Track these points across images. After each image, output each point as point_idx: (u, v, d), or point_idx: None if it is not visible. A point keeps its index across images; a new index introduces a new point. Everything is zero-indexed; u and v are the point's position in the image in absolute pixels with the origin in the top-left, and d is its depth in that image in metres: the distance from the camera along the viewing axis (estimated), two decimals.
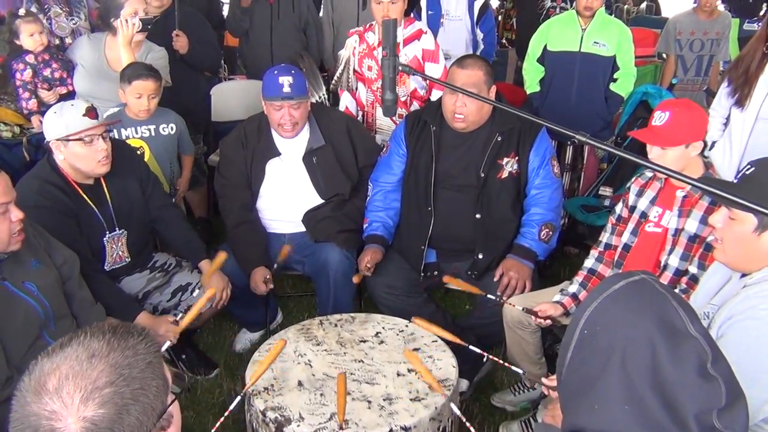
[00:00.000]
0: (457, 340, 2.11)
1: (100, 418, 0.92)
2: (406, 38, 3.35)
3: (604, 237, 2.50)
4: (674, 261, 2.21)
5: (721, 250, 1.61)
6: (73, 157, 2.38)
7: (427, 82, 3.36)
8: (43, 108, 3.28)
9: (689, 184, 1.29)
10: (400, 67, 1.52)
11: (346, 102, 3.55)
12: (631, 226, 2.37)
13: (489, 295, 2.49)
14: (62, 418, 0.91)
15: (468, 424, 1.83)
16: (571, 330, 1.02)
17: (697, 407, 0.90)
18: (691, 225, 2.17)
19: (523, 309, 2.39)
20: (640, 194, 2.36)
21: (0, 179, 1.88)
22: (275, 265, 2.78)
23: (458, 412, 1.90)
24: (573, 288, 2.44)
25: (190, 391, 2.80)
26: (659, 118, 2.17)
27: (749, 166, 1.54)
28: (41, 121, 3.20)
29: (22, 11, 3.36)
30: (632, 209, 2.38)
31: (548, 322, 2.37)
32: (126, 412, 0.94)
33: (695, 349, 0.93)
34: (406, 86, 3.39)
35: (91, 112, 2.36)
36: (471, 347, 2.10)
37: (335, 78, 3.63)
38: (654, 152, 2.18)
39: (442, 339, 2.21)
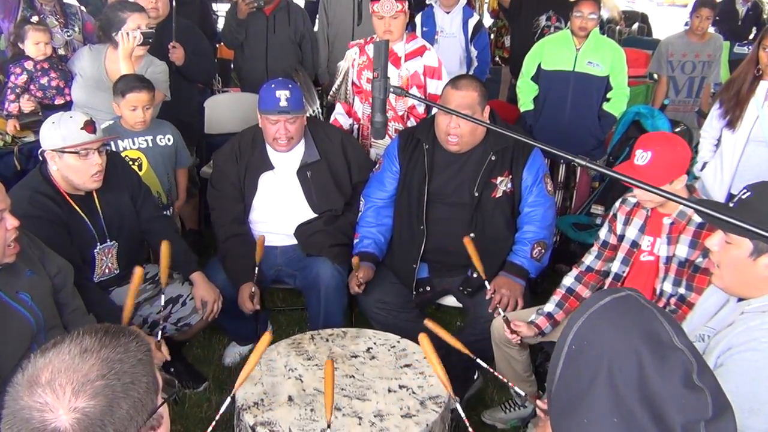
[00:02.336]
0: (465, 350, 2.04)
1: (92, 410, 0.93)
2: (408, 53, 3.32)
3: (587, 259, 2.49)
4: (668, 287, 2.21)
5: (719, 275, 1.60)
6: (67, 169, 2.38)
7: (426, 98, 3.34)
8: (23, 119, 3.30)
9: (684, 205, 1.30)
10: (391, 89, 1.52)
11: (336, 113, 3.52)
12: (621, 255, 2.35)
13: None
14: (54, 410, 0.92)
15: None
16: (560, 346, 1.03)
17: (684, 418, 0.91)
18: (681, 251, 2.16)
19: (503, 317, 2.39)
20: (627, 222, 2.35)
21: None
22: (256, 268, 2.72)
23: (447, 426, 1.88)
24: (548, 307, 2.44)
25: (178, 403, 2.78)
26: (641, 157, 2.10)
27: (746, 191, 1.53)
28: (15, 126, 3.25)
29: (35, 18, 3.38)
30: (621, 238, 2.37)
31: (517, 338, 2.35)
32: (117, 405, 0.95)
33: (681, 360, 0.94)
34: (404, 101, 3.36)
35: (89, 126, 2.35)
36: (478, 360, 2.06)
37: (333, 89, 3.61)
38: (637, 189, 2.17)
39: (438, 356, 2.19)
